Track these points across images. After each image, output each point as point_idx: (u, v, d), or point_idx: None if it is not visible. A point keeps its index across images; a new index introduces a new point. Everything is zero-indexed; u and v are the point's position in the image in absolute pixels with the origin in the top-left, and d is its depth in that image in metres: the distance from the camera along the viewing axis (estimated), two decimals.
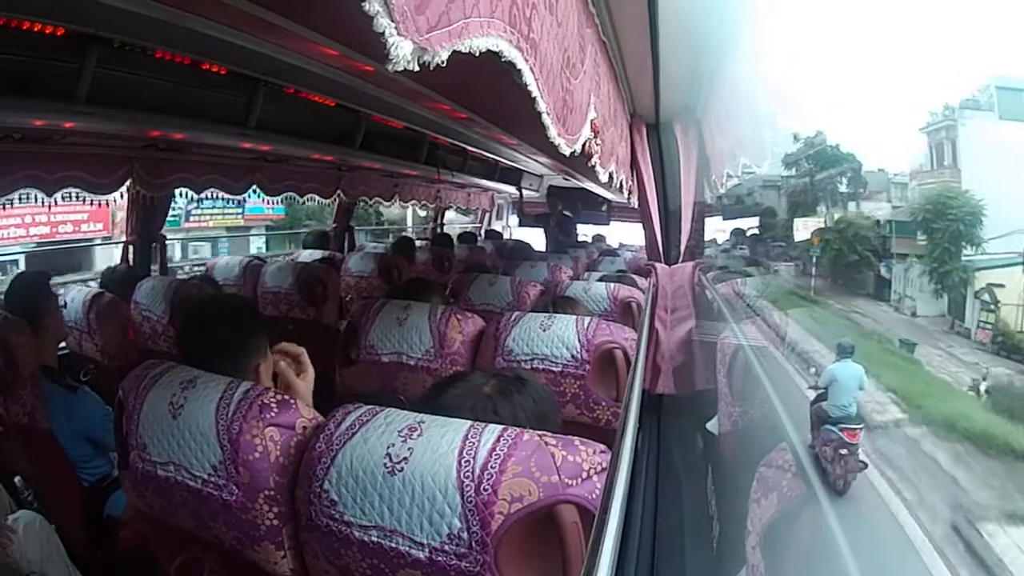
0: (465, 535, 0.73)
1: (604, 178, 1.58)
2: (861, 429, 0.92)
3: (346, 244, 4.53)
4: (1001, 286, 0.84)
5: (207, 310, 1.28)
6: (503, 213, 6.94)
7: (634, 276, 2.86)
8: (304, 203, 3.59)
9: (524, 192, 6.22)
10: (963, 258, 0.90)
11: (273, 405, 0.90)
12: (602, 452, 0.77)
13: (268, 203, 3.75)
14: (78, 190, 2.24)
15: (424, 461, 0.76)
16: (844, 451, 0.91)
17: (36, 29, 1.60)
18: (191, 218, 10.83)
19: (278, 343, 1.23)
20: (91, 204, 2.44)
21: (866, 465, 0.89)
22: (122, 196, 2.52)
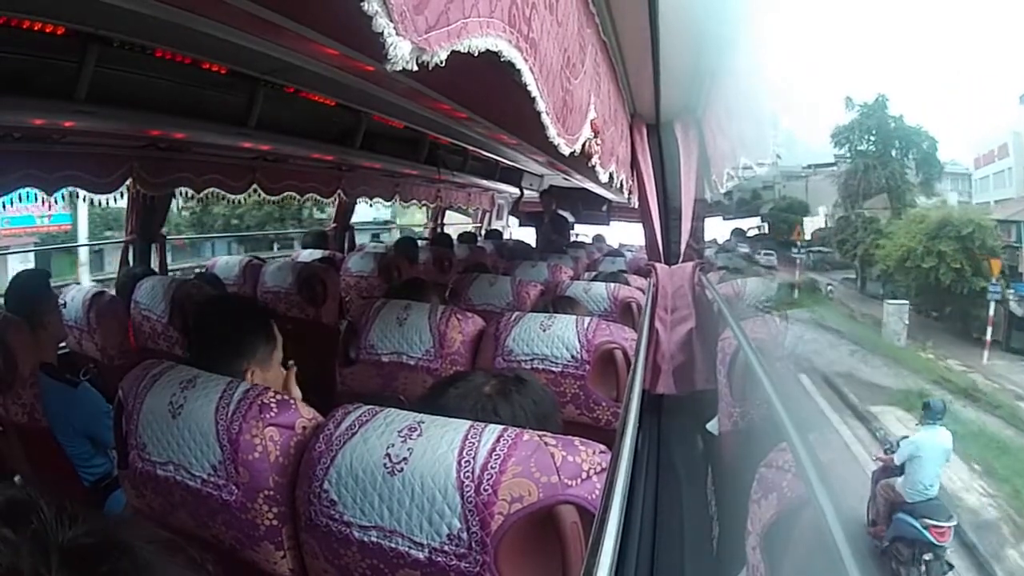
0: (465, 535, 0.73)
1: (604, 178, 1.57)
2: (952, 527, 0.69)
3: (345, 244, 4.53)
4: None
5: (216, 308, 1.28)
6: (503, 213, 6.95)
7: (632, 276, 2.86)
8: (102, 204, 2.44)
9: (525, 192, 6.22)
10: None
11: (273, 405, 0.90)
12: (602, 452, 0.77)
13: (46, 208, 2.68)
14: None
15: (424, 461, 0.76)
16: (928, 556, 0.69)
17: (36, 28, 1.60)
18: None
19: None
20: None
21: (952, 567, 0.69)
22: None
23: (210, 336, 1.15)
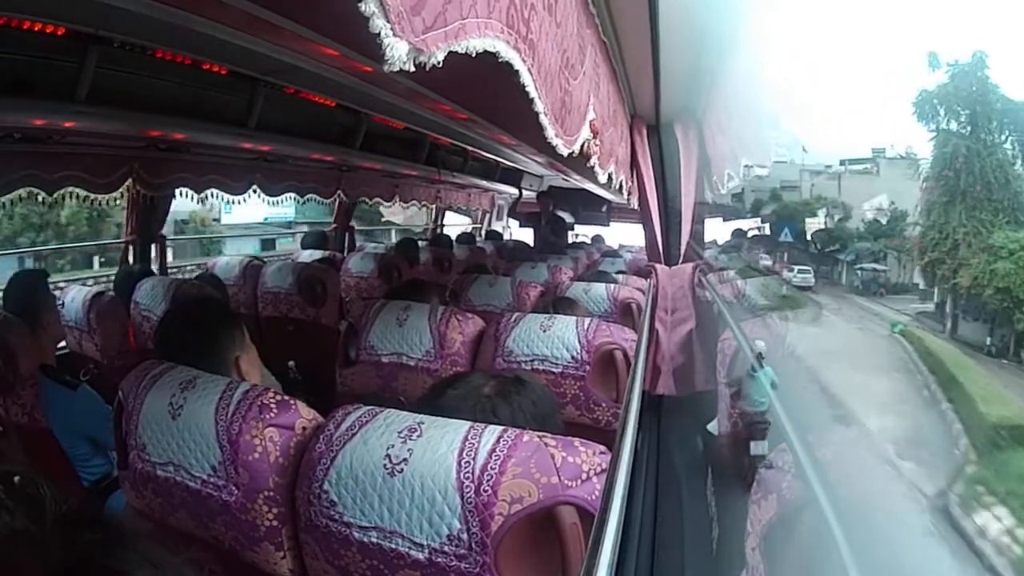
0: (465, 536, 0.73)
1: (603, 179, 1.57)
2: None
3: (346, 244, 4.54)
4: None
5: (172, 316, 1.32)
6: (503, 214, 6.95)
7: (632, 276, 2.85)
8: None
9: (524, 192, 6.22)
10: None
11: (272, 406, 0.90)
12: (602, 453, 0.77)
13: None
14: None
15: (424, 462, 0.76)
16: None
17: (36, 29, 1.60)
18: None
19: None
20: None
21: None
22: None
23: (200, 336, 1.18)
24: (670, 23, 1.45)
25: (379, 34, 0.40)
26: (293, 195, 3.43)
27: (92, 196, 2.35)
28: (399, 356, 1.57)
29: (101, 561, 0.41)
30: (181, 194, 2.79)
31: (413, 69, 0.45)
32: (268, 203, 3.27)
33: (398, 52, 0.42)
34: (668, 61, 1.75)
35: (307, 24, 0.75)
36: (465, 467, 0.74)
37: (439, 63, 0.48)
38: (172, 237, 4.24)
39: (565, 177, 4.37)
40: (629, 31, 1.51)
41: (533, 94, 0.75)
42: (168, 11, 1.17)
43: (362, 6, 0.39)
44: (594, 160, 1.29)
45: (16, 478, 0.43)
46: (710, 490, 1.60)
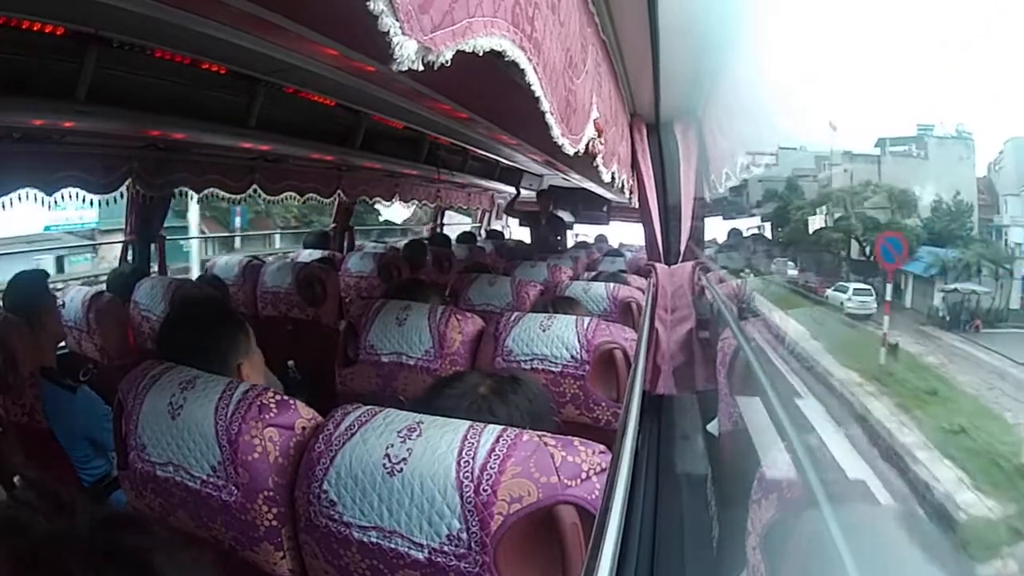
0: (464, 536, 0.72)
1: (607, 178, 1.57)
2: None
3: (345, 244, 4.54)
4: None
5: (176, 317, 1.29)
6: (503, 213, 6.94)
7: (632, 276, 2.85)
8: None
9: (523, 191, 6.22)
10: None
11: (272, 405, 0.90)
12: (602, 453, 0.77)
13: None
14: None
15: (423, 462, 0.76)
16: None
17: (36, 29, 1.60)
18: None
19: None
20: None
21: None
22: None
23: (202, 344, 1.16)
24: (670, 21, 1.45)
25: (387, 33, 0.40)
26: (79, 192, 2.26)
27: None
28: (399, 356, 1.57)
29: (143, 559, 0.42)
30: None
31: (421, 68, 0.45)
32: (49, 206, 2.16)
33: (407, 51, 0.42)
34: (668, 59, 1.74)
35: (307, 24, 0.75)
36: (464, 467, 0.74)
37: (446, 62, 0.48)
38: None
39: (565, 176, 4.37)
40: (628, 29, 1.51)
41: (539, 93, 0.75)
42: (168, 11, 1.17)
43: (370, 5, 0.39)
44: (599, 159, 1.29)
45: (39, 484, 0.45)
46: (710, 489, 1.60)
